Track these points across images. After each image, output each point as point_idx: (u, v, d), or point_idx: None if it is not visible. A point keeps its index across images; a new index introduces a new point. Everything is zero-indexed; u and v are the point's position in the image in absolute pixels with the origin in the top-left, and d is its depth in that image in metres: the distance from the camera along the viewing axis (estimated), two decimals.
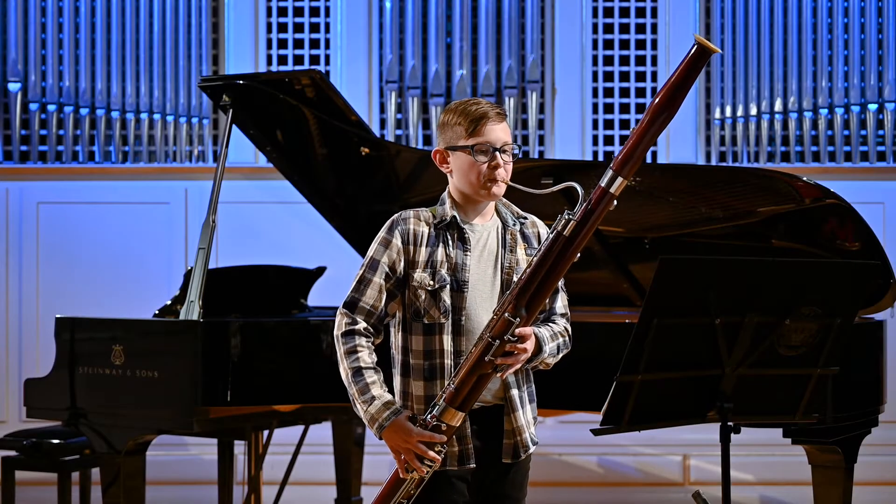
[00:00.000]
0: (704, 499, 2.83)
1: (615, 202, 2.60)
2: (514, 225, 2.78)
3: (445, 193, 2.78)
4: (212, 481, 5.30)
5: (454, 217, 2.73)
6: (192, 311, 3.99)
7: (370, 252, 2.74)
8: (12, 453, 4.77)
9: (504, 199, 2.81)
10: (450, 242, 2.72)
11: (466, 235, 2.73)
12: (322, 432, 5.39)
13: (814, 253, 4.01)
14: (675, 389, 2.73)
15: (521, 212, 2.83)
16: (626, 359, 2.62)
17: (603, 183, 2.59)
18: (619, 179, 2.58)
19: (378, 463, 5.80)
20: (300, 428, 4.90)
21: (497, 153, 2.69)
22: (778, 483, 5.97)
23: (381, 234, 2.74)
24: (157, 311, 4.58)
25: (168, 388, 3.96)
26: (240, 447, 4.96)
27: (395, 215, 2.76)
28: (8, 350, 6.23)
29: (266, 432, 4.67)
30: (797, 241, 4.10)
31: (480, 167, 2.69)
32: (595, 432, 2.69)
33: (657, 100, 2.57)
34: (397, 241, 2.71)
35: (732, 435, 2.76)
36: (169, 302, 4.60)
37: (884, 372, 3.88)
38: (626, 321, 4.05)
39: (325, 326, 4.12)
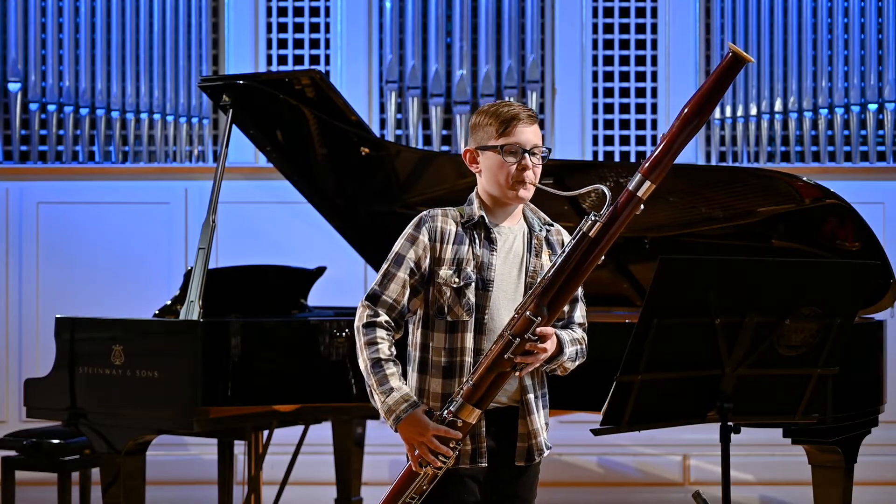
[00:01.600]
0: (704, 499, 2.83)
1: (642, 206, 2.62)
2: (541, 231, 2.80)
3: (473, 194, 2.80)
4: (212, 481, 5.30)
5: (482, 217, 2.75)
6: (192, 311, 3.99)
7: (395, 248, 2.75)
8: (12, 453, 4.77)
9: (532, 205, 2.83)
10: (476, 241, 2.73)
11: (493, 236, 2.74)
12: (322, 432, 5.39)
13: (814, 253, 4.01)
14: (675, 389, 2.73)
15: (548, 219, 2.85)
16: (626, 359, 2.62)
17: (631, 186, 2.61)
18: (647, 183, 2.61)
19: (378, 463, 5.81)
20: (300, 428, 4.90)
21: (526, 155, 2.71)
22: (778, 483, 5.97)
23: (408, 230, 2.75)
24: (157, 311, 4.58)
25: (168, 388, 3.96)
26: (240, 447, 4.96)
27: (423, 213, 2.77)
28: (8, 350, 6.23)
29: (266, 432, 4.67)
30: (797, 241, 4.10)
31: (509, 168, 2.70)
32: (595, 432, 2.69)
33: (688, 108, 2.59)
34: (424, 237, 2.72)
35: (732, 435, 2.76)
36: (169, 302, 4.60)
37: (884, 372, 3.88)
38: (626, 321, 4.05)
39: (324, 326, 4.12)
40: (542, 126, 6.33)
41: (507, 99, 6.16)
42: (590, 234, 2.61)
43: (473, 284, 2.70)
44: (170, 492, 5.90)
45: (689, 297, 2.62)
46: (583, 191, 2.68)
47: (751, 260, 2.77)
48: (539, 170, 2.75)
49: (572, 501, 5.99)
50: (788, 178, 3.89)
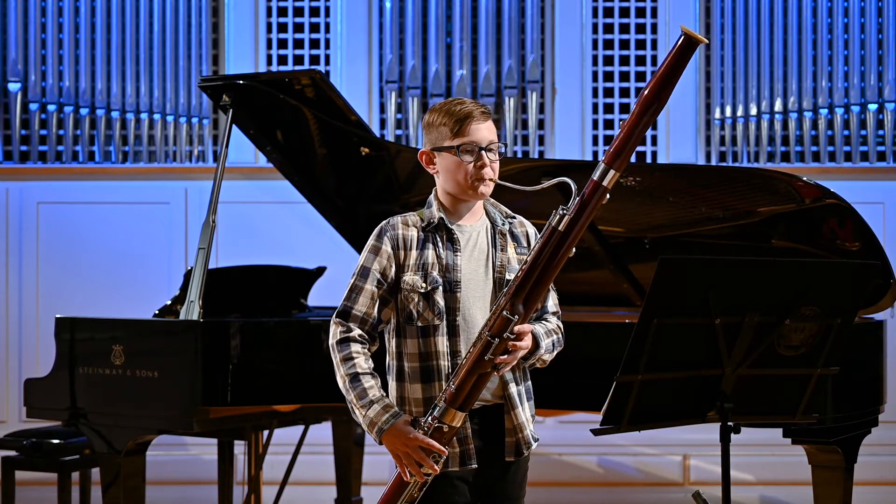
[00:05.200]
0: (704, 499, 2.83)
1: (608, 195, 2.60)
2: (504, 224, 2.78)
3: (432, 196, 2.79)
4: (212, 481, 5.30)
5: (441, 219, 2.73)
6: (192, 311, 3.99)
7: (360, 261, 2.74)
8: (12, 453, 4.77)
9: (492, 199, 2.81)
10: (439, 244, 2.72)
11: (455, 236, 2.73)
12: (322, 432, 5.39)
13: (814, 253, 4.01)
14: (675, 389, 2.73)
15: (509, 212, 2.83)
16: (626, 359, 2.62)
17: (595, 176, 2.59)
18: (612, 172, 2.57)
19: (378, 463, 5.80)
20: (300, 428, 4.90)
21: (483, 152, 2.69)
22: (778, 483, 5.97)
23: (371, 242, 2.74)
24: (157, 311, 4.58)
25: (168, 388, 3.96)
26: (240, 447, 4.96)
27: (383, 223, 2.76)
28: (8, 350, 6.23)
29: (266, 432, 4.67)
30: (797, 241, 4.10)
31: (467, 167, 2.69)
32: (595, 432, 2.69)
33: (645, 92, 2.57)
34: (387, 247, 2.71)
35: (732, 435, 2.76)
36: (169, 302, 4.60)
37: (884, 372, 3.88)
38: (626, 321, 4.05)
39: (324, 326, 4.08)
40: (541, 126, 6.33)
41: (505, 100, 6.16)
42: (559, 228, 2.59)
43: (441, 287, 2.69)
44: (170, 492, 5.90)
45: (689, 297, 2.62)
46: (547, 184, 2.67)
47: (751, 260, 2.77)
48: (497, 165, 2.72)
49: (572, 501, 5.99)
50: (788, 178, 3.89)
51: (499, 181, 2.72)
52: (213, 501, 5.16)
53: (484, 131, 2.71)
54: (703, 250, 4.27)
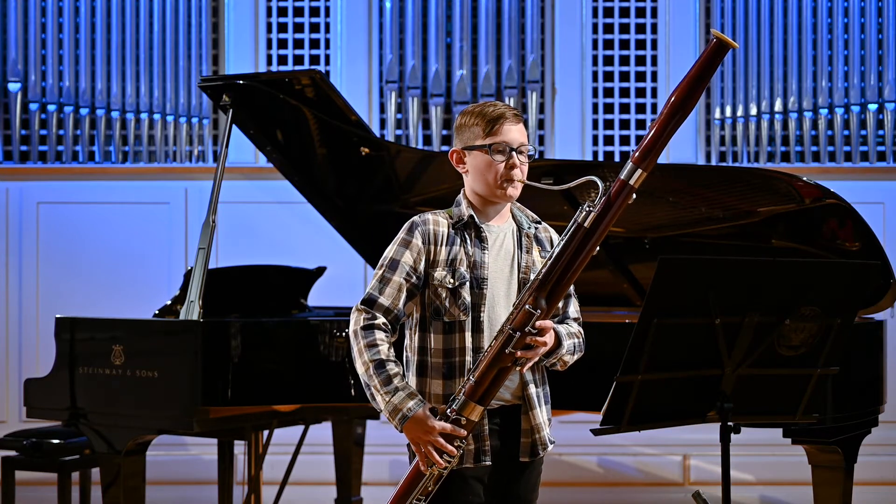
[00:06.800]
0: (704, 499, 2.83)
1: (634, 195, 2.62)
2: (530, 228, 2.82)
3: (461, 195, 2.82)
4: (212, 481, 5.30)
5: (471, 216, 2.76)
6: (192, 311, 3.99)
7: (389, 253, 2.75)
8: (12, 453, 4.77)
9: (519, 204, 2.86)
10: (468, 241, 2.75)
11: (484, 234, 2.76)
12: (322, 432, 5.39)
13: (814, 253, 4.02)
14: (675, 389, 2.73)
15: (535, 216, 2.87)
16: (626, 359, 2.62)
17: (622, 175, 2.62)
18: (639, 172, 2.61)
19: (378, 463, 5.80)
20: (300, 428, 4.90)
21: (514, 153, 2.73)
22: (778, 483, 5.97)
23: (401, 235, 2.77)
24: (157, 311, 4.58)
25: (168, 388, 3.96)
26: (240, 447, 4.96)
27: (414, 217, 2.78)
28: (8, 350, 6.23)
29: (266, 432, 4.67)
30: (797, 241, 4.10)
31: (497, 167, 2.73)
32: (595, 432, 2.70)
33: (675, 95, 2.60)
34: (418, 241, 2.74)
35: (732, 435, 2.76)
36: (169, 302, 4.60)
37: (884, 372, 3.88)
38: (626, 321, 4.05)
39: (324, 326, 4.12)
40: (541, 126, 6.33)
41: (506, 100, 6.16)
42: (584, 225, 2.62)
43: (468, 284, 2.72)
44: (170, 492, 5.90)
45: (689, 297, 2.62)
46: (574, 184, 2.69)
47: (751, 260, 2.77)
48: (526, 168, 2.77)
49: (572, 501, 5.99)
50: (788, 178, 3.89)
51: (526, 182, 2.76)
52: (213, 501, 5.16)
53: (515, 133, 2.75)
54: (703, 250, 4.28)
